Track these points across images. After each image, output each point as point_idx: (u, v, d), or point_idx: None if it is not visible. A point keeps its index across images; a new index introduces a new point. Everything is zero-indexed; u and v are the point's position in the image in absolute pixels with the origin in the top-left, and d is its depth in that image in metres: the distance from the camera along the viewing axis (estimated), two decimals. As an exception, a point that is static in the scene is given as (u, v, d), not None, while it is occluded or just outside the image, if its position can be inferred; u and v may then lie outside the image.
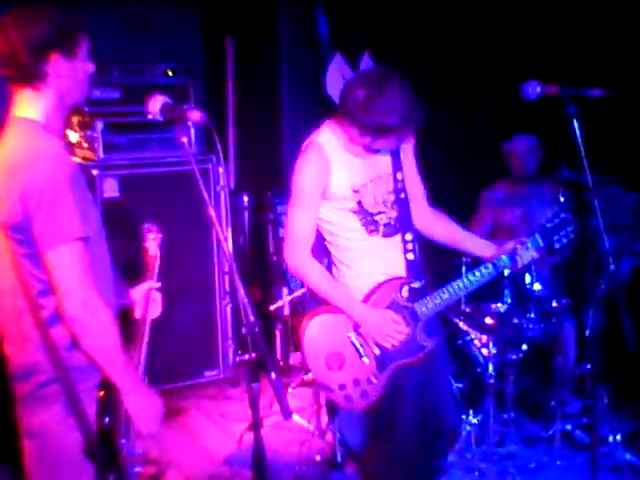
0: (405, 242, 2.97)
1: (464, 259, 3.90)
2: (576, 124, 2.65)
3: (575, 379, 4.30)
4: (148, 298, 2.50)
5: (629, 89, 4.02)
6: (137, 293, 2.56)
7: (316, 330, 2.96)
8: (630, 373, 4.20)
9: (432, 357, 3.00)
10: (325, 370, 2.92)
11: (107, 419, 2.14)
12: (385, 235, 2.96)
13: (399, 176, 2.97)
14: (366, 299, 2.96)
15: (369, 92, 2.72)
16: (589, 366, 3.93)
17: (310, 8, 5.61)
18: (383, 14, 5.30)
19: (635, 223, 3.98)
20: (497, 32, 4.94)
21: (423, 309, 2.94)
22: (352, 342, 2.92)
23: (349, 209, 2.92)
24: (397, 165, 2.99)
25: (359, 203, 2.92)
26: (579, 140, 2.66)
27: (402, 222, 2.98)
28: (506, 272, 3.94)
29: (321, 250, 3.07)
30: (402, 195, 2.97)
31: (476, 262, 3.51)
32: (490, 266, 3.01)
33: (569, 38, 4.55)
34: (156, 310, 2.55)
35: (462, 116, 5.15)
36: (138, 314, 2.52)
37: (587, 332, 3.66)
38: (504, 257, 3.00)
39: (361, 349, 2.91)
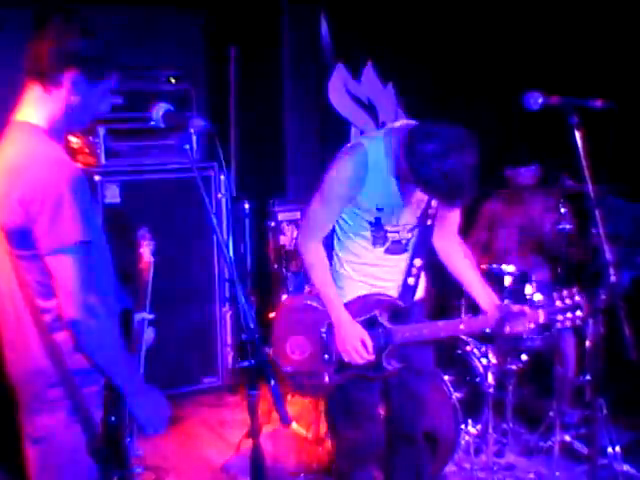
0: (411, 266, 2.97)
1: (462, 301, 3.93)
2: (577, 135, 2.66)
3: (575, 389, 4.29)
4: (142, 327, 2.49)
5: (631, 100, 4.03)
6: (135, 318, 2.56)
7: (292, 313, 3.04)
8: (630, 384, 4.21)
9: (408, 353, 3.01)
10: (287, 351, 2.98)
11: (113, 418, 2.15)
12: (388, 251, 2.94)
13: (434, 203, 2.92)
14: (350, 305, 2.96)
15: (439, 148, 2.60)
16: (588, 377, 3.92)
17: (313, 18, 5.63)
18: (386, 24, 5.33)
19: (636, 234, 3.98)
20: (500, 42, 4.96)
21: (399, 335, 2.93)
22: (322, 336, 2.95)
23: (366, 220, 2.91)
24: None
25: (377, 219, 2.89)
26: (580, 150, 2.66)
27: (417, 247, 2.96)
28: (507, 282, 3.97)
29: (327, 240, 3.09)
30: (429, 222, 2.95)
31: (474, 308, 3.53)
32: (480, 318, 3.03)
33: (571, 49, 4.56)
34: (149, 340, 2.54)
35: (463, 126, 5.15)
36: (133, 338, 2.52)
37: (587, 343, 3.66)
38: (497, 313, 2.97)
39: (327, 347, 2.94)
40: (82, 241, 2.06)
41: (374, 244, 2.93)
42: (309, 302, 3.04)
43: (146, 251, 2.82)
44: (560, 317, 2.95)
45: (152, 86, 4.93)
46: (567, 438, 4.05)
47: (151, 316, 2.62)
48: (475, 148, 2.65)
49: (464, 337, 4.09)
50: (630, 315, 2.66)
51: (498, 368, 4.00)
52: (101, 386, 2.16)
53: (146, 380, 2.36)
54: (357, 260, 2.98)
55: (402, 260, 2.98)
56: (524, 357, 4.11)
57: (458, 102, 5.16)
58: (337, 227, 3.01)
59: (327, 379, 2.95)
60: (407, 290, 2.98)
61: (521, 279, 4.01)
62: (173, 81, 5.01)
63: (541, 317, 2.96)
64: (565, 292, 2.96)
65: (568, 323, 2.96)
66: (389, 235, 2.93)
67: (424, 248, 2.98)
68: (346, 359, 2.91)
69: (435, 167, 2.58)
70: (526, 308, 2.96)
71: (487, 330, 3.15)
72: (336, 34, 5.60)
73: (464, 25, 5.13)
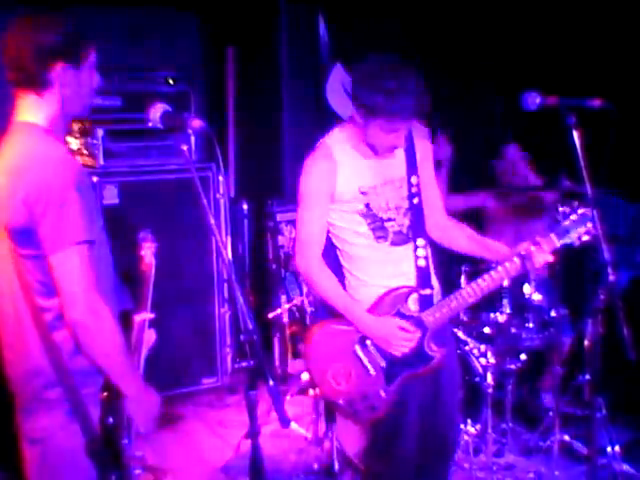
0: (416, 248, 2.91)
1: (463, 268, 3.90)
2: (575, 135, 2.66)
3: (575, 389, 4.29)
4: (142, 329, 2.49)
5: (630, 100, 4.03)
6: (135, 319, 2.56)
7: (321, 345, 2.92)
8: (628, 383, 4.21)
9: (440, 371, 2.94)
10: (332, 385, 2.87)
11: (111, 419, 2.15)
12: (394, 243, 2.90)
13: (414, 180, 2.90)
14: (371, 310, 2.90)
15: (376, 68, 2.69)
16: (588, 376, 3.92)
17: (311, 17, 5.63)
18: (383, 24, 5.32)
19: (634, 234, 3.99)
20: (498, 43, 4.95)
21: (430, 318, 2.87)
22: (358, 355, 2.86)
23: (357, 212, 2.87)
24: (412, 169, 2.92)
25: (367, 205, 2.86)
26: (578, 151, 2.66)
27: (415, 228, 2.92)
28: (505, 282, 3.96)
29: (332, 259, 3.04)
30: (415, 200, 2.91)
31: (476, 271, 3.51)
32: (500, 269, 2.89)
33: (570, 49, 4.56)
34: (150, 341, 2.54)
35: (461, 128, 5.15)
36: (134, 339, 2.52)
37: (585, 342, 3.66)
38: (516, 259, 2.87)
39: (367, 362, 2.86)
40: (86, 240, 2.06)
41: (377, 239, 2.89)
42: (333, 326, 2.94)
43: (148, 253, 2.81)
44: (574, 234, 2.84)
45: (150, 87, 4.94)
46: (566, 437, 4.05)
47: (152, 315, 2.62)
48: (411, 66, 2.74)
49: (463, 337, 4.09)
50: (628, 315, 2.66)
51: (497, 368, 4.00)
52: (99, 387, 2.16)
53: (145, 380, 2.36)
54: (366, 264, 2.92)
55: (409, 249, 2.93)
56: (523, 356, 4.10)
57: (455, 101, 5.16)
58: (335, 240, 2.97)
59: (383, 394, 2.86)
60: (422, 274, 2.92)
61: (520, 278, 4.00)
62: (171, 82, 5.02)
63: (555, 241, 2.84)
64: (567, 209, 2.86)
65: (584, 237, 2.84)
66: (387, 225, 2.89)
67: (421, 227, 2.93)
68: (398, 353, 2.83)
69: (376, 85, 2.65)
70: (538, 238, 2.84)
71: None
72: (334, 34, 5.60)
73: (461, 24, 5.12)
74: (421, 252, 2.93)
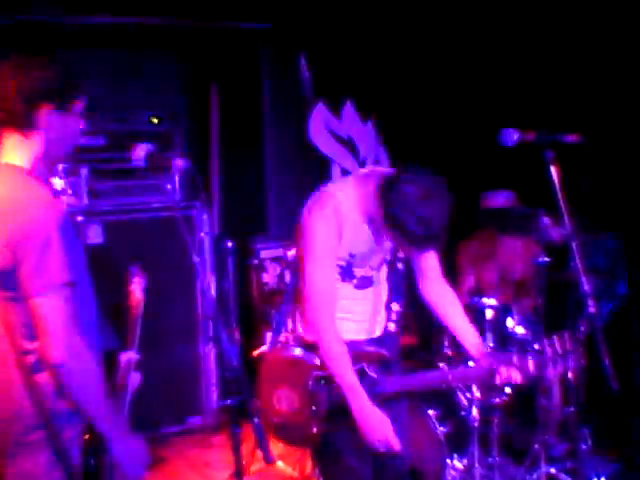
0: (389, 311, 2.97)
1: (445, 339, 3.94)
2: (553, 170, 2.71)
3: (559, 422, 4.29)
4: (128, 370, 2.49)
5: (606, 134, 4.11)
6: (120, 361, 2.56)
7: (278, 366, 2.98)
8: (612, 415, 4.22)
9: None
10: (274, 404, 2.93)
11: (92, 462, 2.13)
12: (357, 287, 2.93)
13: (401, 253, 2.94)
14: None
15: (419, 193, 2.60)
16: (572, 409, 3.93)
17: (293, 56, 5.71)
18: (365, 63, 5.41)
19: (614, 266, 4.03)
20: (476, 81, 5.04)
21: (388, 387, 2.89)
22: (308, 390, 2.89)
23: (337, 265, 2.89)
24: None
25: (349, 264, 2.89)
26: (556, 185, 2.70)
27: (392, 291, 2.97)
28: (488, 315, 3.99)
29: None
30: (400, 265, 2.96)
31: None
32: (471, 370, 3.04)
33: (546, 85, 4.65)
34: (134, 384, 2.54)
35: (441, 164, 5.21)
36: (119, 380, 2.51)
37: (569, 374, 3.67)
38: (487, 363, 2.92)
39: (314, 398, 2.88)
40: (67, 282, 2.07)
41: (342, 280, 2.92)
42: (294, 355, 2.98)
43: (137, 288, 2.82)
44: (551, 369, 2.82)
45: (134, 126, 4.98)
46: (552, 471, 4.04)
47: (137, 356, 2.62)
48: (449, 197, 2.66)
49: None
50: (610, 346, 2.69)
51: (482, 402, 4.01)
52: (81, 429, 2.15)
53: (130, 421, 2.35)
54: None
55: (371, 293, 2.96)
56: (508, 390, 4.11)
57: (435, 139, 5.23)
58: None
59: (315, 429, 2.89)
60: (389, 337, 2.98)
61: (502, 312, 4.03)
62: (155, 121, 5.06)
63: (531, 367, 2.85)
64: (556, 338, 2.84)
65: (559, 372, 2.89)
66: (355, 271, 2.92)
67: (399, 292, 2.97)
68: (373, 448, 2.82)
69: (412, 211, 2.57)
70: (514, 358, 2.87)
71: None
72: (316, 72, 5.68)
73: (440, 64, 5.22)
74: (393, 316, 2.98)
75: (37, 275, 2.03)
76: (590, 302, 2.72)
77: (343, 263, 2.89)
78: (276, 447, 4.48)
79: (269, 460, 2.19)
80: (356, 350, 2.89)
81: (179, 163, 2.28)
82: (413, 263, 3.03)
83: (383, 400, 2.88)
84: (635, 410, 4.24)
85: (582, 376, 3.23)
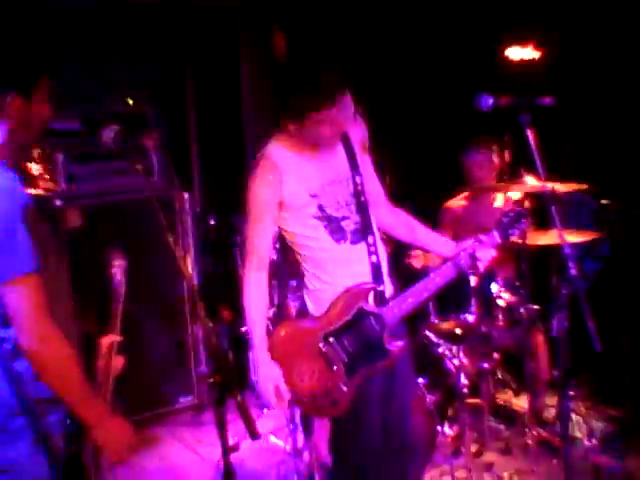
0: (368, 245, 2.95)
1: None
2: (529, 133, 2.69)
3: (549, 385, 4.32)
4: (111, 352, 2.47)
5: (581, 96, 4.10)
6: (102, 344, 2.54)
7: (286, 345, 2.93)
8: (602, 376, 4.25)
9: (394, 366, 3.00)
10: (297, 383, 2.89)
11: (75, 447, 2.13)
12: (353, 242, 2.93)
13: (357, 179, 2.95)
14: (331, 308, 2.93)
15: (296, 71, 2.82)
16: (559, 371, 3.95)
17: (270, 34, 5.65)
18: (340, 36, 5.36)
19: (597, 227, 4.03)
20: (452, 44, 5.01)
21: (389, 314, 2.92)
22: (322, 352, 2.89)
23: (312, 216, 2.89)
24: (354, 167, 2.95)
25: (320, 207, 2.88)
26: (533, 148, 2.70)
27: (364, 226, 2.95)
28: (472, 282, 3.99)
29: (292, 263, 3.08)
30: (362, 199, 2.95)
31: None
32: (450, 264, 3.02)
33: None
34: (118, 367, 2.52)
35: (422, 127, 5.19)
36: (101, 364, 2.50)
37: (555, 338, 3.68)
38: (462, 254, 3.02)
39: (330, 358, 2.89)
40: (34, 270, 2.05)
41: (337, 241, 2.91)
42: (296, 326, 2.99)
43: (117, 271, 2.80)
44: (510, 230, 3.09)
45: (109, 109, 4.92)
46: (543, 433, 4.08)
47: (120, 338, 2.61)
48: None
49: (435, 339, 4.11)
50: (594, 307, 2.69)
51: (471, 368, 4.03)
52: (63, 414, 2.15)
53: (120, 404, 2.35)
54: (329, 266, 2.94)
55: (365, 247, 2.96)
56: (496, 355, 4.13)
57: (414, 103, 5.21)
58: (294, 246, 2.99)
59: (345, 388, 2.88)
60: (375, 269, 2.96)
61: (487, 278, 4.03)
62: (130, 103, 5.00)
63: (497, 237, 3.06)
64: (507, 210, 3.14)
65: (517, 231, 3.11)
66: (343, 225, 2.91)
67: (369, 224, 2.97)
68: (263, 400, 2.90)
69: (295, 85, 2.78)
70: (481, 236, 3.05)
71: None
72: (292, 53, 5.62)
73: (416, 31, 5.18)
74: (372, 248, 2.96)
75: (3, 263, 2.02)
76: (571, 264, 2.72)
77: (314, 208, 2.88)
78: (268, 422, 4.54)
79: (255, 436, 2.18)
80: (348, 294, 2.91)
81: (149, 142, 2.25)
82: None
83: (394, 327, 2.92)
84: (621, 370, 4.26)
85: (566, 338, 3.24)
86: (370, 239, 2.95)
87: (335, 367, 2.89)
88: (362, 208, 2.95)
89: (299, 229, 2.93)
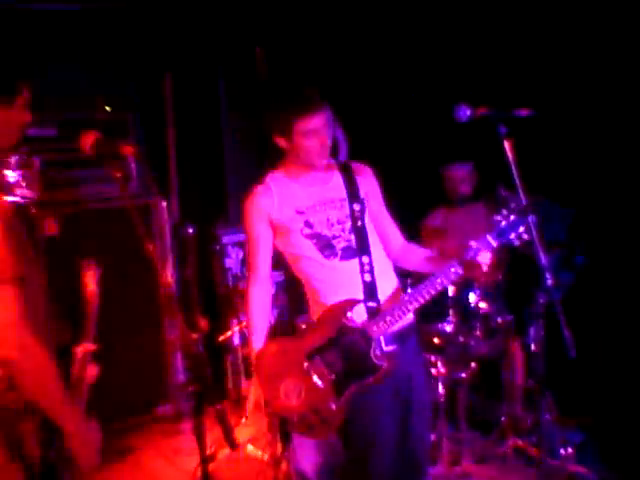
0: (362, 264, 2.95)
1: (408, 281, 3.94)
2: (507, 144, 2.72)
3: (525, 394, 4.35)
4: (85, 360, 2.46)
5: (559, 107, 4.14)
6: (76, 352, 2.53)
7: (272, 363, 2.94)
8: (577, 385, 4.28)
9: (411, 386, 2.98)
10: (284, 402, 2.89)
11: (51, 454, 2.11)
12: (343, 258, 2.93)
13: (356, 207, 2.98)
14: (316, 325, 2.93)
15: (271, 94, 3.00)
16: (534, 380, 3.98)
17: (249, 46, 5.66)
18: (318, 46, 5.37)
19: (572, 238, 4.08)
20: (431, 57, 5.04)
21: (374, 328, 2.88)
22: (307, 371, 2.88)
23: (302, 234, 2.92)
24: (354, 196, 2.99)
25: (307, 224, 2.92)
26: (510, 160, 2.72)
27: (359, 246, 2.96)
28: (450, 292, 4.01)
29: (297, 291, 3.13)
30: (359, 223, 2.98)
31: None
32: (440, 274, 2.88)
33: (497, 61, 4.67)
34: (92, 375, 2.50)
35: (399, 142, 5.22)
36: (75, 372, 2.48)
37: (531, 346, 3.72)
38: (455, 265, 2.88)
39: (317, 377, 2.87)
40: (15, 277, 2.03)
41: (326, 257, 2.92)
42: (281, 344, 2.98)
43: (90, 280, 2.78)
44: (512, 235, 2.81)
45: (87, 115, 4.90)
46: (520, 443, 4.10)
47: (94, 347, 2.59)
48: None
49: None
50: (569, 317, 2.71)
51: (448, 377, 4.04)
52: (38, 423, 2.13)
53: (95, 412, 2.33)
54: (321, 285, 2.96)
55: (357, 265, 2.96)
56: (473, 365, 4.15)
57: (392, 118, 5.23)
58: (294, 271, 3.03)
59: (334, 406, 2.85)
60: (368, 288, 2.95)
61: (464, 287, 4.06)
62: (108, 109, 4.98)
63: (492, 242, 2.84)
64: (504, 211, 2.85)
65: (525, 236, 2.81)
66: (334, 242, 2.93)
67: (365, 246, 2.97)
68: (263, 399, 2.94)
69: (271, 104, 2.94)
70: (472, 243, 2.84)
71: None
72: (270, 62, 5.64)
73: (395, 43, 5.20)
74: (367, 268, 2.96)
75: None
76: (548, 275, 2.74)
77: (301, 224, 2.92)
78: (246, 431, 4.52)
79: (233, 446, 2.18)
80: (335, 309, 2.91)
81: (128, 150, 2.24)
82: (379, 233, 3.07)
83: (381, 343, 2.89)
84: (595, 379, 4.30)
85: (542, 347, 3.27)
86: (365, 259, 2.96)
87: (322, 385, 2.87)
88: (358, 230, 2.98)
89: (293, 249, 2.97)
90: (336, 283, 2.94)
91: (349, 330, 2.89)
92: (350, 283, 2.94)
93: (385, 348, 2.89)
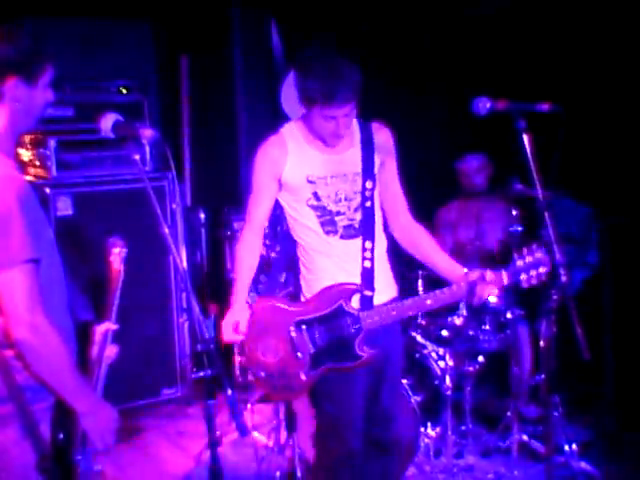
0: (364, 249, 2.96)
1: (420, 272, 3.94)
2: (525, 138, 2.70)
3: (531, 389, 4.35)
4: (105, 341, 2.46)
5: (578, 103, 4.11)
6: (97, 332, 2.53)
7: (260, 317, 2.99)
8: (583, 383, 4.28)
9: (383, 366, 3.03)
10: (259, 356, 2.97)
11: (61, 435, 2.12)
12: (343, 237, 2.94)
13: (368, 184, 2.95)
14: (313, 298, 2.97)
15: (316, 60, 2.86)
16: (543, 376, 3.98)
17: (263, 24, 5.63)
18: (337, 29, 5.35)
19: (586, 235, 4.06)
20: (451, 49, 5.02)
21: (368, 320, 2.93)
22: (291, 336, 2.94)
23: (306, 202, 2.92)
24: (368, 171, 2.96)
25: (315, 194, 2.91)
26: (529, 154, 2.70)
27: (364, 229, 2.96)
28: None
29: (291, 251, 3.11)
30: (368, 203, 2.95)
31: (431, 276, 3.52)
32: (446, 290, 2.93)
33: (520, 54, 4.64)
34: (111, 356, 2.51)
35: (415, 134, 5.20)
36: (94, 352, 2.48)
37: (541, 342, 3.71)
38: (463, 284, 2.91)
39: (297, 345, 2.93)
40: (30, 259, 2.03)
41: (326, 233, 2.93)
42: (276, 304, 3.03)
43: (116, 259, 2.78)
44: (524, 276, 2.84)
45: (103, 97, 4.90)
46: (525, 437, 4.10)
47: (115, 326, 2.59)
48: (344, 56, 2.88)
49: (421, 340, 4.12)
50: (582, 314, 2.70)
51: (455, 370, 4.04)
52: (51, 402, 2.14)
53: (104, 393, 2.34)
54: (317, 258, 2.97)
55: (358, 246, 2.97)
56: (481, 358, 4.15)
57: (409, 108, 5.21)
58: (293, 233, 3.02)
59: (304, 377, 2.93)
60: (367, 275, 2.96)
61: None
62: (124, 91, 4.98)
63: (505, 279, 2.87)
64: (525, 250, 2.86)
65: (534, 281, 2.85)
66: (337, 219, 2.93)
67: (370, 229, 2.97)
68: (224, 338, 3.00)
69: (311, 73, 2.81)
70: (487, 273, 2.88)
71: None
72: (287, 40, 5.61)
73: (415, 30, 5.18)
74: (368, 254, 2.97)
75: None
76: (562, 271, 2.73)
77: (309, 193, 2.91)
78: (251, 418, 4.53)
79: (243, 432, 2.19)
80: (334, 289, 2.93)
81: (147, 133, 2.24)
82: (381, 203, 3.05)
83: (369, 335, 2.92)
84: (605, 378, 4.29)
85: (553, 344, 3.26)
86: (368, 244, 2.96)
87: (300, 354, 2.94)
88: (366, 211, 2.96)
89: (294, 213, 2.99)
90: (333, 259, 2.96)
91: (344, 313, 2.93)
92: (348, 264, 2.96)
93: (369, 344, 2.93)
